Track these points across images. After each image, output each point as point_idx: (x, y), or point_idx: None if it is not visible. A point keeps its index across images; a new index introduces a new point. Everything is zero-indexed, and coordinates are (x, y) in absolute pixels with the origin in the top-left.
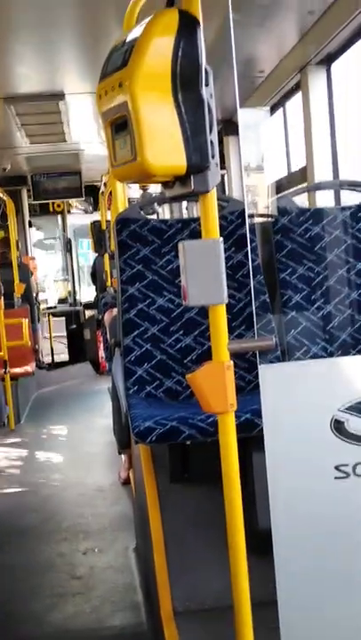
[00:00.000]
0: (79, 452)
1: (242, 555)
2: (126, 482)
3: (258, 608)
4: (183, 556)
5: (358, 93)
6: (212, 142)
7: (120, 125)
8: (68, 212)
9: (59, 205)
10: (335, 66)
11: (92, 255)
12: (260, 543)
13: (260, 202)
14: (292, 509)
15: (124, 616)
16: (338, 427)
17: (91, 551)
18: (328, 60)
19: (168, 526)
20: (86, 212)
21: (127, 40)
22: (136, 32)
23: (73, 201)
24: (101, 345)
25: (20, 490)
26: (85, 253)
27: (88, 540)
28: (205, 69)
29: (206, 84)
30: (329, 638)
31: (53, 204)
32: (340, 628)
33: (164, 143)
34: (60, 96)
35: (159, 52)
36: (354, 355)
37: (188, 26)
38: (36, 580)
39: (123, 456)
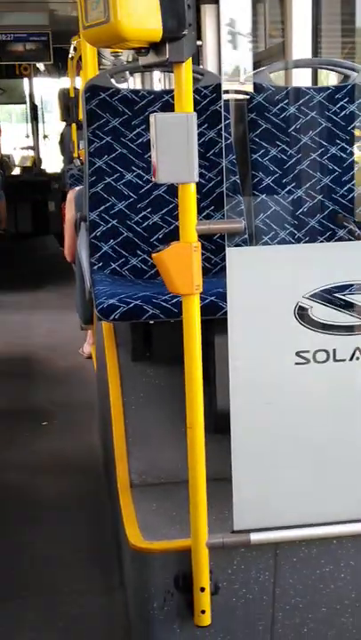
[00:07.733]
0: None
1: (200, 433)
2: (90, 357)
3: (212, 484)
4: (142, 431)
5: None
6: (189, 7)
7: None
8: (36, 75)
9: (25, 69)
10: None
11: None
12: (218, 423)
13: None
14: (251, 392)
15: (83, 487)
16: (301, 313)
17: (51, 425)
18: None
19: (128, 402)
20: (50, 74)
21: None
22: None
23: (40, 65)
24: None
25: None
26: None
27: (48, 417)
28: None
29: None
30: (277, 515)
31: (20, 66)
32: (289, 505)
33: (138, 4)
34: None
35: None
36: (322, 242)
37: None
38: None
39: (88, 331)
